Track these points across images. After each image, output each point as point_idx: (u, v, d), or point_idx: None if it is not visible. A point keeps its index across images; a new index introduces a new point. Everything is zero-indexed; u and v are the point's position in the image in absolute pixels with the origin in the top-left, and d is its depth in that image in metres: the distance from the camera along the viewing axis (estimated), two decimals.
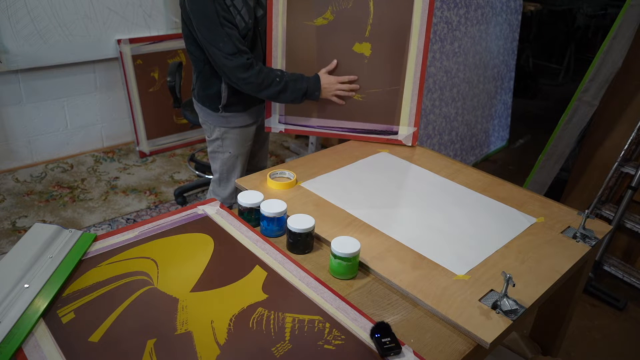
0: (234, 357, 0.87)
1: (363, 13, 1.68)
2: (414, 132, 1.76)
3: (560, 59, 5.49)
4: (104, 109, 3.20)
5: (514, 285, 1.04)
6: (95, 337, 0.89)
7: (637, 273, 2.30)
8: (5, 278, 0.99)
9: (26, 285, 0.98)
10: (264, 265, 1.11)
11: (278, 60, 1.75)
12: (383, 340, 0.91)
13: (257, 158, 2.11)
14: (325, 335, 0.93)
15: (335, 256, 1.10)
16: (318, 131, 1.82)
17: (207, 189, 2.89)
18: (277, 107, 1.81)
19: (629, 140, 2.27)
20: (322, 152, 1.70)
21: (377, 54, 1.72)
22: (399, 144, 1.77)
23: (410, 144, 1.76)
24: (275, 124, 1.83)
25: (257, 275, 1.08)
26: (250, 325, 0.94)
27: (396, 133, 1.77)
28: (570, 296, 1.48)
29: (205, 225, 1.24)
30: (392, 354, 0.89)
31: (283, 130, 1.83)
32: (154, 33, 3.14)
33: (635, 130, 2.25)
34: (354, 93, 1.75)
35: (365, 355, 0.90)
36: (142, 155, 3.24)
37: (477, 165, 3.43)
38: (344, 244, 1.10)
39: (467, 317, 1.00)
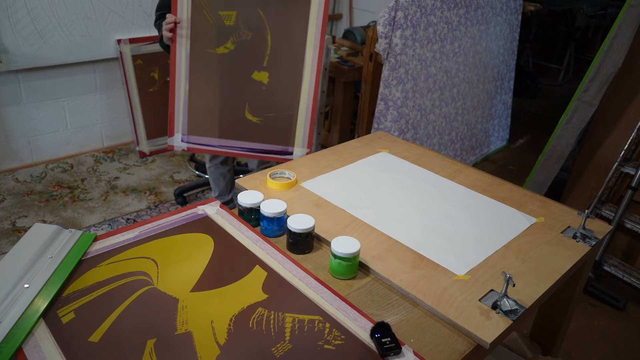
0: (234, 357, 0.87)
1: (262, 44, 1.82)
2: (307, 153, 1.91)
3: (560, 59, 5.49)
4: (104, 109, 3.20)
5: (514, 285, 1.04)
6: (95, 337, 0.89)
7: (637, 273, 2.30)
8: (5, 278, 0.99)
9: (26, 285, 0.98)
10: (264, 265, 1.11)
11: (182, 84, 1.86)
12: (383, 340, 0.91)
13: None
14: (325, 335, 0.93)
15: (335, 256, 1.10)
16: (219, 150, 1.94)
17: (207, 189, 2.90)
18: (180, 126, 1.90)
19: (629, 140, 2.27)
20: (322, 152, 1.71)
21: (274, 82, 1.87)
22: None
23: None
24: (178, 142, 1.92)
25: (257, 275, 1.08)
26: (250, 325, 0.94)
27: (291, 154, 1.94)
28: (570, 296, 1.48)
29: (205, 225, 1.24)
30: (392, 354, 0.89)
31: (185, 149, 1.93)
32: (154, 33, 3.13)
33: (635, 130, 2.25)
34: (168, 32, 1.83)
35: (365, 355, 0.90)
36: (142, 155, 3.24)
37: (477, 165, 3.43)
38: (344, 244, 1.10)
39: (467, 317, 1.00)
